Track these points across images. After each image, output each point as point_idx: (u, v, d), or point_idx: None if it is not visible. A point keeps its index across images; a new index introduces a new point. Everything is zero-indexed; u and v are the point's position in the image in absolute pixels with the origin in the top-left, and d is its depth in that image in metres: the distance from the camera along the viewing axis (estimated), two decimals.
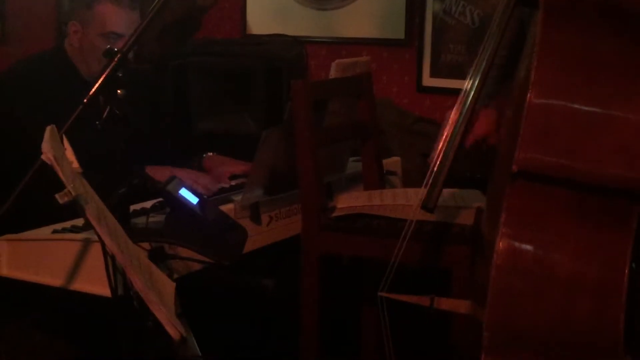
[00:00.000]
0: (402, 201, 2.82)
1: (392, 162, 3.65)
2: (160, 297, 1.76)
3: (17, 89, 3.13)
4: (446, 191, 2.17)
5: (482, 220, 2.56)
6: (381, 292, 2.29)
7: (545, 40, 1.89)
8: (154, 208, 2.66)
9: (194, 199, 2.31)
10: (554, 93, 1.86)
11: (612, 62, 1.88)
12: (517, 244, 1.85)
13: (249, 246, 2.66)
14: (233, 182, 3.16)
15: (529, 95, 1.85)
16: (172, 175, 2.39)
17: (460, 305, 2.26)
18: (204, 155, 3.40)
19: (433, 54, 4.49)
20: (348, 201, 2.90)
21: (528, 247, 1.86)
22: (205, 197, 2.56)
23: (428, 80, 4.52)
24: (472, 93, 2.17)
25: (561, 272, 1.84)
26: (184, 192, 2.29)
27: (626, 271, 1.80)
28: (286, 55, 4.48)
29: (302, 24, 4.81)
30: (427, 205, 2.12)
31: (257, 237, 2.93)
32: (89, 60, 3.19)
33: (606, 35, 1.90)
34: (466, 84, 2.20)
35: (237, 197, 2.89)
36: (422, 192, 2.14)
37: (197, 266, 2.50)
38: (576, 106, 1.85)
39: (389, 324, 2.33)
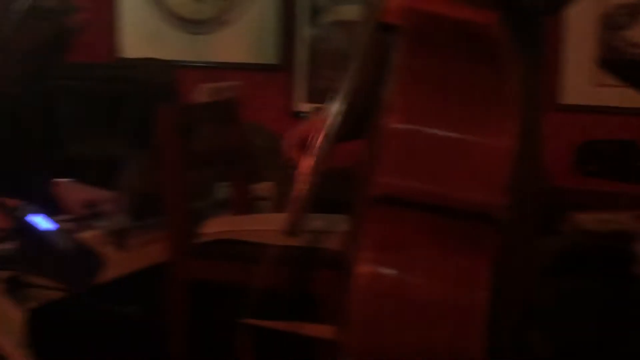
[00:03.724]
0: (270, 226, 2.80)
1: (264, 188, 3.63)
2: (6, 326, 1.70)
3: None
4: (312, 215, 2.16)
5: (347, 244, 2.57)
6: (246, 319, 2.27)
7: (405, 66, 1.91)
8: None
9: (47, 226, 2.25)
10: (412, 118, 1.87)
11: (469, 88, 1.90)
12: (376, 267, 1.85)
13: (115, 272, 2.60)
14: (92, 211, 3.09)
15: (388, 119, 1.85)
16: (25, 202, 2.33)
17: (325, 331, 2.25)
18: (57, 181, 3.31)
19: (307, 79, 4.50)
20: (214, 227, 2.87)
21: (387, 271, 1.85)
22: (59, 223, 2.50)
23: (301, 106, 4.52)
24: (337, 118, 2.17)
25: (421, 296, 1.85)
26: (36, 219, 2.23)
27: (485, 294, 1.82)
28: (157, 79, 4.44)
29: (175, 48, 4.77)
30: (291, 229, 2.10)
31: (124, 263, 2.87)
32: None
33: (464, 62, 1.93)
34: (330, 108, 2.20)
35: (102, 223, 2.82)
36: (286, 216, 2.13)
37: (56, 295, 2.43)
38: (434, 131, 1.86)
39: (256, 351, 2.32)
